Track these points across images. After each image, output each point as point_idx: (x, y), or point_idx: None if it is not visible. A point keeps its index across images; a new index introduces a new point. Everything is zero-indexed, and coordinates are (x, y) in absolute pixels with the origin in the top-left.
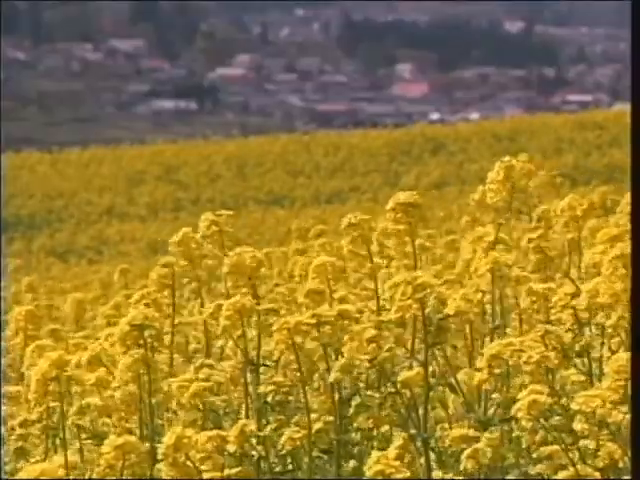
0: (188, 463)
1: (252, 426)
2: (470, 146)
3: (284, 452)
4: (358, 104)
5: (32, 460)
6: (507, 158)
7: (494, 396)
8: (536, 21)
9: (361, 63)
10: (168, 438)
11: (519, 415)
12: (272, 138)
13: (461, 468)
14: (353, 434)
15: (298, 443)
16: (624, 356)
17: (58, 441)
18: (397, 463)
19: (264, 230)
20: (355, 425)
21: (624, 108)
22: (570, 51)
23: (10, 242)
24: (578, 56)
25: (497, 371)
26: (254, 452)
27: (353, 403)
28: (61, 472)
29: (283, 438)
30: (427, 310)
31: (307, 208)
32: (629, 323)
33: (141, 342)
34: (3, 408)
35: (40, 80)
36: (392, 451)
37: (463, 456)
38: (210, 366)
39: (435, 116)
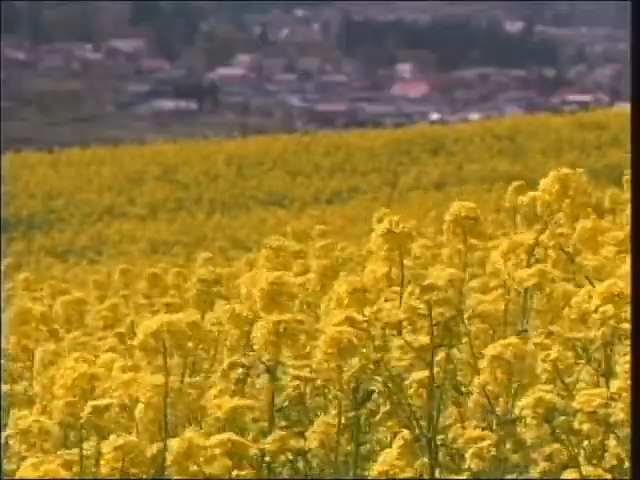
0: (197, 468)
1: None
2: (470, 146)
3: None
4: (358, 104)
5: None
6: (564, 170)
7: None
8: (536, 21)
9: (361, 63)
10: (178, 446)
11: (524, 413)
12: (272, 138)
13: (466, 466)
14: (378, 436)
15: (324, 442)
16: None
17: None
18: (401, 463)
19: (264, 230)
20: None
21: (624, 108)
22: (570, 51)
23: (10, 242)
24: (578, 56)
25: (499, 374)
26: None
27: (382, 410)
28: (64, 472)
29: (309, 435)
30: (437, 311)
31: (307, 208)
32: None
33: (162, 350)
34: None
35: (40, 80)
36: (395, 450)
37: (468, 454)
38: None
39: (435, 116)
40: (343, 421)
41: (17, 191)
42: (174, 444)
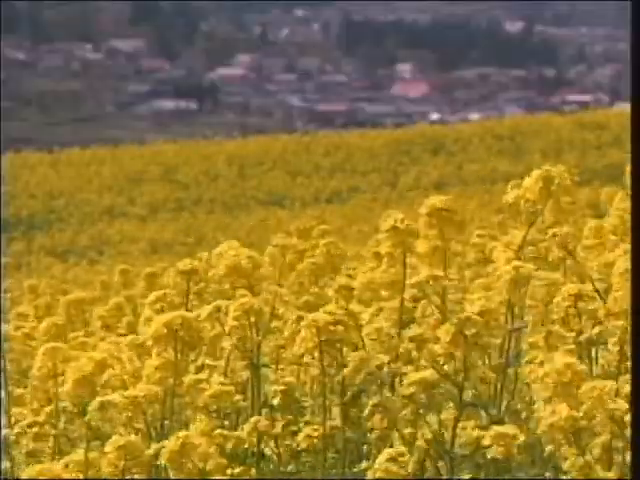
0: (192, 466)
1: (265, 423)
2: (470, 146)
3: (299, 451)
4: (358, 104)
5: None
6: (546, 167)
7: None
8: (536, 21)
9: (361, 63)
10: (173, 444)
11: (544, 431)
12: (272, 138)
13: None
14: (367, 434)
15: (315, 441)
16: None
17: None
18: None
19: (264, 230)
20: (369, 425)
21: (624, 108)
22: (570, 51)
23: (10, 242)
24: (578, 56)
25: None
26: (267, 450)
27: (370, 402)
28: (66, 473)
29: (300, 436)
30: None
31: (307, 208)
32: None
33: (173, 345)
34: (4, 408)
35: (40, 80)
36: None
37: (486, 439)
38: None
39: (435, 116)
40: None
41: (17, 191)
42: (170, 443)
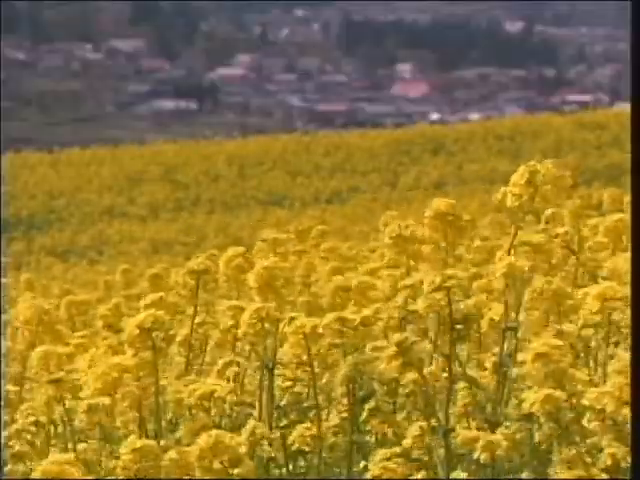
0: (219, 467)
1: (262, 428)
2: (470, 146)
3: (294, 451)
4: (358, 104)
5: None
6: (532, 162)
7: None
8: (536, 21)
9: (361, 63)
10: (205, 442)
11: (533, 410)
12: (272, 138)
13: (475, 457)
14: (366, 437)
15: (309, 440)
16: (626, 356)
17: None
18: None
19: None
20: (368, 428)
21: (624, 108)
22: (570, 51)
23: (10, 242)
24: (578, 56)
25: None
26: (263, 453)
27: (367, 407)
28: (73, 471)
29: (293, 435)
30: (454, 303)
31: (307, 208)
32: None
33: (149, 344)
34: (3, 410)
35: (40, 80)
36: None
37: (477, 445)
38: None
39: (435, 116)
40: (332, 424)
41: (17, 191)
42: (201, 441)
